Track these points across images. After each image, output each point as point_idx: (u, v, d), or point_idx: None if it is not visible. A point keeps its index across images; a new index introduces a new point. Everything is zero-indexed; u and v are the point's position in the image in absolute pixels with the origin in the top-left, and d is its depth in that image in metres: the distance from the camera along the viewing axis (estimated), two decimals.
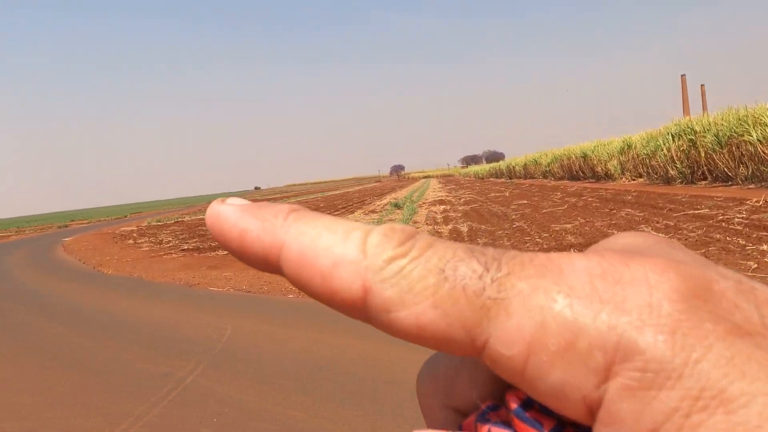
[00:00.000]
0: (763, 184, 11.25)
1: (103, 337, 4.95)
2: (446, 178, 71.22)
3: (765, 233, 5.89)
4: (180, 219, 25.20)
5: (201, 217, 25.31)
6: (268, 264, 0.17)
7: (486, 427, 0.16)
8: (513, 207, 12.99)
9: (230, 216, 0.17)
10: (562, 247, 6.86)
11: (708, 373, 0.12)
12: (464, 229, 9.90)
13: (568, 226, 8.48)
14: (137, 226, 22.76)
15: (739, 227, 6.45)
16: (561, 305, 0.14)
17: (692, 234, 6.40)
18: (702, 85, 38.82)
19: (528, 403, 0.16)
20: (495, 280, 0.14)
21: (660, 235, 0.14)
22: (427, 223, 11.42)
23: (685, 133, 14.85)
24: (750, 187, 11.30)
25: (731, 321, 0.13)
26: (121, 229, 22.54)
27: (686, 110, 36.67)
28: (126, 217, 42.68)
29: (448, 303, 0.15)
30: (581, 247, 6.63)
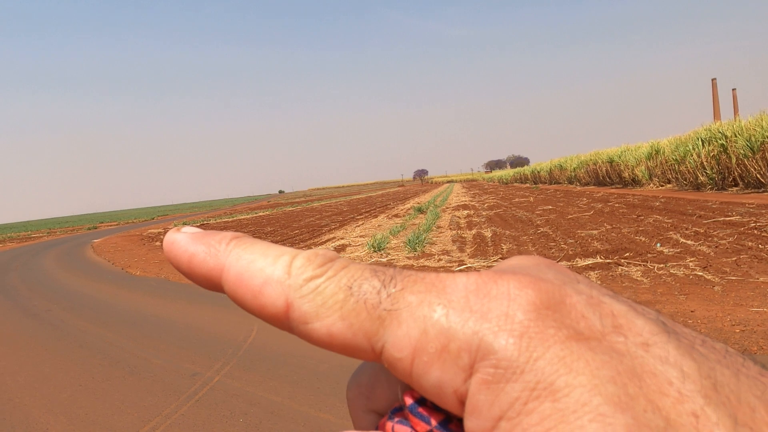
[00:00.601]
0: None
1: (136, 336, 5.05)
2: (470, 183, 70.83)
3: None
4: (206, 221, 25.53)
5: (226, 219, 25.64)
6: (211, 283, 0.20)
7: (390, 424, 0.20)
8: (538, 212, 12.87)
9: (182, 242, 0.21)
10: (588, 254, 6.78)
11: (543, 369, 0.15)
12: (488, 234, 9.84)
13: (595, 232, 8.37)
14: (164, 229, 23.14)
15: None
16: (439, 314, 0.17)
17: (723, 241, 6.27)
18: (734, 90, 37.99)
19: (421, 401, 0.19)
20: (390, 294, 0.18)
21: (538, 256, 0.22)
22: (450, 228, 11.38)
23: (715, 138, 14.54)
24: None
25: (574, 328, 0.16)
26: (148, 231, 22.96)
27: (717, 115, 35.92)
28: (153, 219, 43.44)
29: (352, 315, 0.18)
30: (607, 254, 6.55)
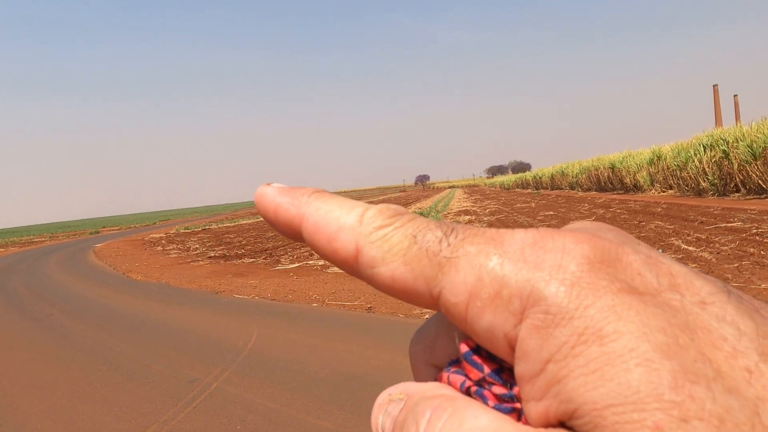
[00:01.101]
0: None
1: (136, 341, 5.05)
2: (471, 189, 70.80)
3: None
4: (207, 227, 25.56)
5: (227, 225, 25.64)
6: (293, 230, 0.23)
7: (446, 375, 0.21)
8: (539, 218, 12.86)
9: (270, 194, 0.23)
10: None
11: (592, 317, 0.16)
12: None
13: None
14: (165, 234, 23.18)
15: None
16: (494, 263, 0.18)
17: (725, 247, 6.25)
18: (735, 96, 37.97)
19: (476, 350, 0.20)
20: (450, 244, 0.19)
21: (606, 223, 0.22)
22: None
23: (717, 144, 14.53)
24: None
25: (628, 283, 0.17)
26: (150, 236, 22.98)
27: (718, 121, 35.90)
28: (155, 224, 43.50)
29: (415, 261, 0.19)
30: None
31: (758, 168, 12.49)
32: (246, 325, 5.21)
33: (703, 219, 9.01)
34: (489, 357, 0.19)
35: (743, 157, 12.84)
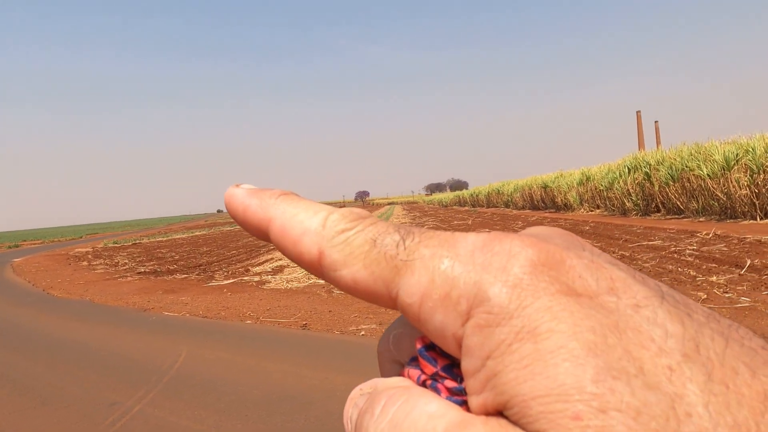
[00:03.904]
0: (712, 217, 11.71)
1: (52, 363, 4.72)
2: (411, 205, 71.59)
3: (714, 265, 6.10)
4: (138, 241, 24.54)
5: (160, 239, 24.73)
6: (261, 232, 0.24)
7: (407, 370, 0.22)
8: None
9: (239, 195, 0.24)
10: None
11: (529, 316, 0.17)
12: None
13: None
14: (92, 248, 22.04)
15: (690, 258, 6.67)
16: (446, 266, 0.19)
17: (646, 264, 6.58)
18: (656, 122, 40.41)
19: (430, 346, 0.21)
20: (407, 247, 0.20)
21: (559, 228, 0.23)
22: None
23: (640, 167, 15.38)
24: (700, 220, 11.74)
25: (568, 285, 0.18)
26: (76, 250, 21.78)
27: (641, 145, 38.04)
28: (81, 238, 41.27)
29: (374, 264, 0.20)
30: None
31: (676, 190, 13.30)
32: (174, 344, 4.99)
33: (627, 237, 9.48)
34: (442, 353, 0.21)
35: (663, 180, 13.65)
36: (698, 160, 12.25)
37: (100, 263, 14.49)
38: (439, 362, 0.21)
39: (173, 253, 15.71)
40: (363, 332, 4.87)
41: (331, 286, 6.64)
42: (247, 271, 10.04)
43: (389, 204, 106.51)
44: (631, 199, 15.71)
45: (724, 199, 11.30)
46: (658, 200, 14.36)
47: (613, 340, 0.17)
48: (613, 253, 7.80)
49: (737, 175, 10.97)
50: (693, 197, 12.67)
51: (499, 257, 0.19)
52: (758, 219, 10.44)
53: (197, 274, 10.07)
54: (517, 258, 0.19)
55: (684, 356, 0.16)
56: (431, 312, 0.19)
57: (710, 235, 8.58)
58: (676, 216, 13.21)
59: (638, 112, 40.53)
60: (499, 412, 0.18)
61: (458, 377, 0.20)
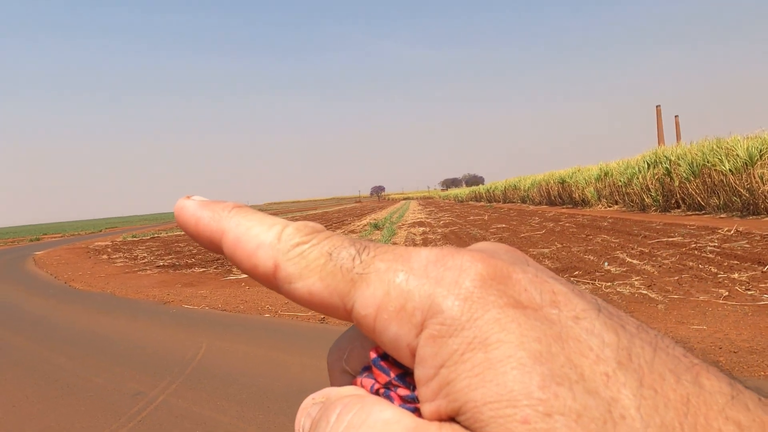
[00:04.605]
0: (734, 213, 11.52)
1: (76, 354, 4.82)
2: (426, 201, 71.40)
3: (736, 262, 6.01)
4: (156, 235, 24.83)
5: (178, 233, 24.97)
6: (213, 245, 0.24)
7: (359, 380, 0.23)
8: (492, 230, 13.08)
9: (190, 208, 0.24)
10: None
11: (480, 327, 0.19)
12: None
13: (546, 250, 8.56)
14: (112, 241, 22.37)
15: (711, 255, 6.58)
16: (401, 279, 0.20)
17: (666, 261, 6.51)
18: (676, 116, 39.80)
19: (384, 356, 0.22)
20: (363, 261, 0.21)
21: (504, 244, 0.25)
22: (406, 244, 11.30)
23: (660, 162, 15.16)
24: (722, 216, 11.56)
25: (515, 298, 0.19)
26: (95, 243, 22.13)
27: (661, 140, 37.52)
28: (100, 231, 41.89)
29: (330, 277, 0.21)
30: (558, 272, 6.68)
31: (697, 186, 13.11)
32: (195, 337, 5.06)
33: (647, 234, 9.37)
34: (395, 363, 0.22)
35: (684, 175, 13.45)
36: (720, 155, 12.05)
37: (120, 257, 14.70)
38: (393, 371, 0.21)
39: (191, 247, 15.87)
40: None
41: None
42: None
43: (405, 199, 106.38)
44: (651, 195, 15.51)
45: (747, 195, 11.11)
46: (678, 196, 14.16)
47: (557, 349, 0.18)
48: (632, 249, 7.73)
49: (761, 171, 10.77)
50: (714, 193, 12.47)
51: (452, 272, 0.20)
52: None
53: (215, 268, 10.17)
54: (467, 272, 0.20)
55: (618, 364, 0.18)
56: (386, 323, 0.20)
57: (732, 232, 8.45)
58: (697, 212, 13.02)
59: (658, 106, 39.98)
60: (452, 418, 0.19)
61: (411, 386, 0.21)
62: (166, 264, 11.72)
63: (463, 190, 68.13)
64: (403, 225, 18.03)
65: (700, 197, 13.05)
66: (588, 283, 5.89)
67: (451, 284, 0.20)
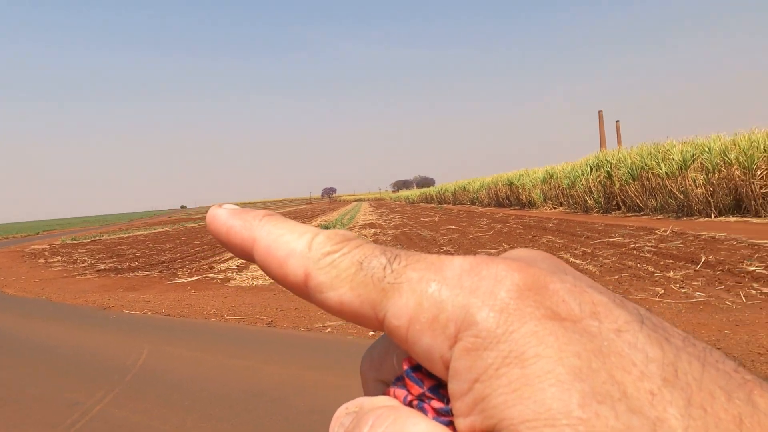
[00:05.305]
0: (670, 214, 12.08)
1: (7, 364, 4.55)
2: (378, 202, 71.60)
3: (671, 261, 6.30)
4: (98, 237, 23.88)
5: (121, 236, 24.12)
6: (245, 253, 0.24)
7: (392, 390, 0.22)
8: (441, 232, 13.23)
9: (222, 216, 0.24)
10: None
11: (517, 341, 0.18)
12: None
13: (493, 251, 8.73)
14: (50, 245, 21.34)
15: (648, 255, 6.87)
16: (433, 289, 0.19)
17: (607, 261, 6.75)
18: (617, 121, 41.42)
19: (417, 367, 0.21)
20: (394, 270, 0.20)
21: (541, 250, 0.24)
22: None
23: (602, 166, 15.74)
24: (659, 217, 12.11)
25: (552, 309, 0.19)
26: (32, 247, 21.04)
27: (603, 144, 38.92)
28: (37, 234, 39.93)
29: (361, 286, 0.21)
30: None
31: (636, 188, 13.68)
32: (136, 343, 4.89)
33: (589, 234, 9.70)
34: (428, 374, 0.21)
35: (624, 178, 14.02)
36: (657, 159, 12.61)
37: (58, 260, 14.05)
38: (426, 383, 0.21)
39: (135, 250, 15.36)
40: (329, 329, 4.86)
41: None
42: (212, 268, 9.90)
43: (356, 200, 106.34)
44: (593, 197, 16.08)
45: (681, 197, 11.67)
46: (619, 198, 14.74)
47: (597, 365, 0.17)
48: (576, 249, 7.98)
49: (694, 174, 11.34)
50: (652, 195, 13.05)
51: (486, 281, 0.19)
52: (713, 217, 10.82)
53: (160, 272, 9.87)
54: (503, 282, 0.19)
55: (664, 381, 0.17)
56: (419, 335, 0.19)
57: (668, 232, 8.86)
58: (636, 213, 13.59)
59: (600, 111, 41.47)
60: None
61: (444, 398, 0.20)
62: (107, 268, 11.29)
63: (414, 192, 68.72)
64: (354, 227, 18.01)
65: (639, 199, 13.63)
66: None
67: (486, 295, 0.19)
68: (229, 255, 11.98)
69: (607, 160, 15.57)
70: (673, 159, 12.01)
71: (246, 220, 0.24)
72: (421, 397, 0.21)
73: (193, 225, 30.77)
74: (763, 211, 10.05)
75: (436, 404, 0.20)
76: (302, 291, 0.22)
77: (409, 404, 0.21)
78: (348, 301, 0.21)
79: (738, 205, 10.83)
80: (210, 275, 8.92)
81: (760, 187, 10.18)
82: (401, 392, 0.22)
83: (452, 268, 0.20)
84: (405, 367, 0.22)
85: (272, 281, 7.62)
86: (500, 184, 26.33)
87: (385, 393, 0.23)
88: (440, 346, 0.19)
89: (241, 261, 10.51)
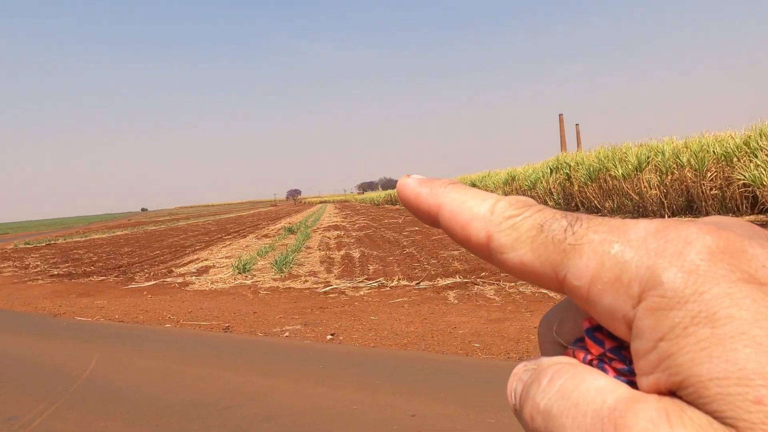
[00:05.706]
0: (626, 215, 12.38)
1: None
2: (343, 204, 71.33)
3: None
4: (53, 241, 23.08)
5: (78, 239, 23.38)
6: (431, 217, 0.25)
7: (571, 350, 0.23)
8: (405, 233, 13.25)
9: (410, 184, 0.26)
10: (449, 274, 7.06)
11: (707, 301, 0.17)
12: (356, 254, 9.93)
13: (456, 252, 8.79)
14: (1, 249, 20.53)
15: None
16: (616, 250, 0.19)
17: None
18: (577, 125, 42.32)
19: (597, 328, 0.21)
20: (575, 232, 0.21)
21: (739, 219, 0.23)
22: (320, 248, 11.32)
23: (561, 168, 16.04)
24: (615, 217, 12.38)
25: (750, 273, 0.18)
26: None
27: (563, 146, 39.74)
28: None
29: (541, 248, 0.21)
30: (466, 274, 6.87)
31: (594, 190, 13.98)
32: (85, 351, 4.71)
33: None
34: (609, 335, 0.21)
35: (582, 180, 14.30)
36: (614, 161, 12.91)
37: (8, 266, 13.51)
38: (607, 343, 0.21)
39: (91, 254, 14.90)
40: (287, 333, 4.79)
41: (257, 287, 6.42)
42: (171, 272, 9.67)
43: (321, 202, 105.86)
44: (553, 198, 16.37)
45: (637, 198, 11.98)
46: (578, 199, 15.04)
47: None
48: None
49: (648, 176, 11.65)
50: (609, 196, 13.35)
51: (674, 243, 0.19)
52: (666, 217, 11.13)
53: (116, 276, 9.59)
54: (693, 245, 0.18)
55: None
56: (600, 294, 0.19)
57: None
58: (594, 214, 13.85)
59: (560, 115, 42.30)
60: (671, 393, 0.18)
61: (626, 359, 0.20)
62: (61, 273, 10.91)
63: (380, 194, 68.68)
64: (318, 228, 17.89)
65: (597, 200, 13.93)
66: (493, 283, 6.09)
67: (673, 256, 0.18)
68: (190, 258, 11.74)
69: (566, 162, 15.87)
70: (628, 161, 12.32)
71: (432, 188, 0.25)
72: (601, 357, 0.21)
73: (153, 228, 30.04)
74: (713, 212, 10.40)
75: (617, 365, 0.20)
76: (484, 252, 0.23)
77: (589, 363, 0.21)
78: (528, 262, 0.21)
79: (690, 205, 11.18)
80: (168, 279, 8.71)
81: (710, 189, 10.53)
82: (581, 353, 0.22)
83: (636, 230, 0.20)
84: (585, 326, 0.22)
85: (232, 285, 7.46)
86: None
87: (564, 354, 0.23)
88: (623, 306, 0.19)
89: (201, 265, 10.31)
